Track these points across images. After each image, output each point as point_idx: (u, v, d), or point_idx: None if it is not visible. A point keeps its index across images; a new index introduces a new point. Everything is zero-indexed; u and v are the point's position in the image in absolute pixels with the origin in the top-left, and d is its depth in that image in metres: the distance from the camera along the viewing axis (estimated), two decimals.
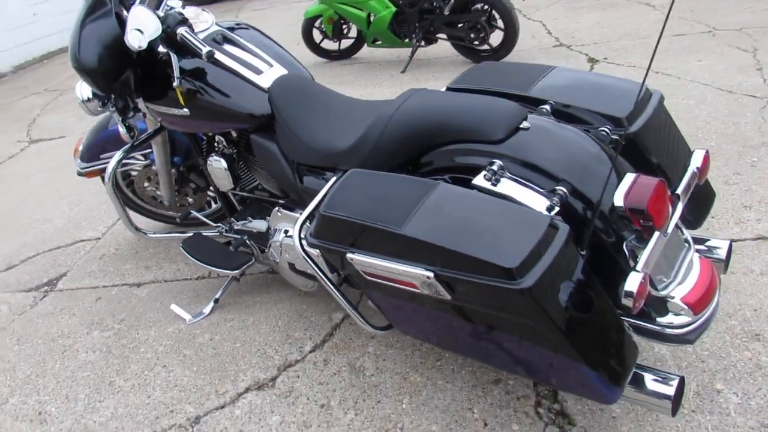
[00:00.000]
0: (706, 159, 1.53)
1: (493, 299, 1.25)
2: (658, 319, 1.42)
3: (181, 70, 1.86)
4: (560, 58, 4.36)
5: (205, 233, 2.32)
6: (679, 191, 1.44)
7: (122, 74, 1.90)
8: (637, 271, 1.26)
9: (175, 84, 1.83)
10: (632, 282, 1.23)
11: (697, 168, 1.52)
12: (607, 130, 1.55)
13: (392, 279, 1.36)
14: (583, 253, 1.41)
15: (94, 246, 2.90)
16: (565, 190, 1.38)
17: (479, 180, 1.42)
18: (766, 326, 1.83)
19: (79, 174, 2.54)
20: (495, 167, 1.42)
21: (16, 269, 2.82)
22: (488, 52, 4.47)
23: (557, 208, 1.36)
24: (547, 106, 1.62)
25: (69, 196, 3.57)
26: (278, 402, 1.84)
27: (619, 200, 1.31)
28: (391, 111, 1.61)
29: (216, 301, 2.28)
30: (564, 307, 1.23)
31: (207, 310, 2.26)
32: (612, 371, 1.29)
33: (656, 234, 1.33)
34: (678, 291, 1.41)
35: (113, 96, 1.99)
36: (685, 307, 1.40)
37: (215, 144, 2.15)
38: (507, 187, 1.41)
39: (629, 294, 1.23)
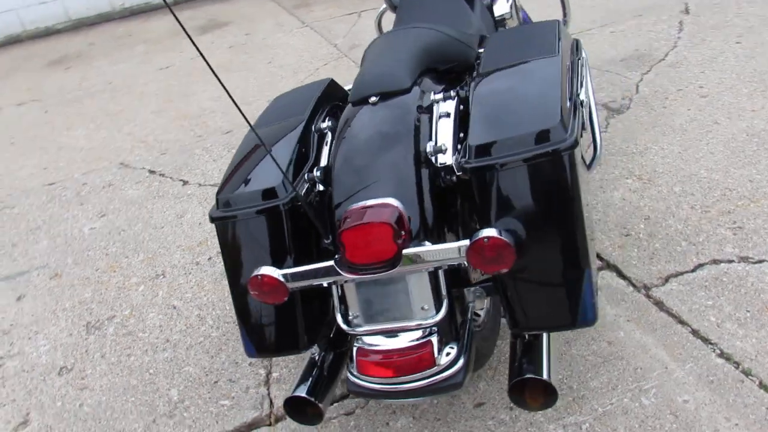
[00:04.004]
0: (480, 246, 1.03)
1: None
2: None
3: None
4: None
5: None
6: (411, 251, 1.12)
7: None
8: (272, 267, 1.20)
9: None
10: (263, 270, 1.20)
11: (465, 245, 1.06)
12: (427, 151, 1.21)
13: None
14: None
15: None
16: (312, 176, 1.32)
17: None
18: None
19: None
20: (322, 125, 1.42)
21: None
22: None
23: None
24: (439, 95, 1.31)
25: None
26: None
27: (341, 212, 1.20)
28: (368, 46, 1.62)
29: None
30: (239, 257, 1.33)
31: None
32: (253, 337, 1.34)
33: (331, 261, 1.17)
34: (368, 341, 1.22)
35: None
36: (354, 360, 1.22)
37: None
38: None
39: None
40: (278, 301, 1.24)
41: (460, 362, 1.19)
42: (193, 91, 4.01)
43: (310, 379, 1.32)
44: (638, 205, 2.13)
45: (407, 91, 1.34)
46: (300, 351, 1.34)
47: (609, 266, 1.90)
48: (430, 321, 1.17)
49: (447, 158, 1.24)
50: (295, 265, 1.25)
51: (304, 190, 1.32)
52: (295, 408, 1.29)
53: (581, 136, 1.31)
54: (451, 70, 1.56)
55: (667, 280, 1.81)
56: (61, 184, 3.12)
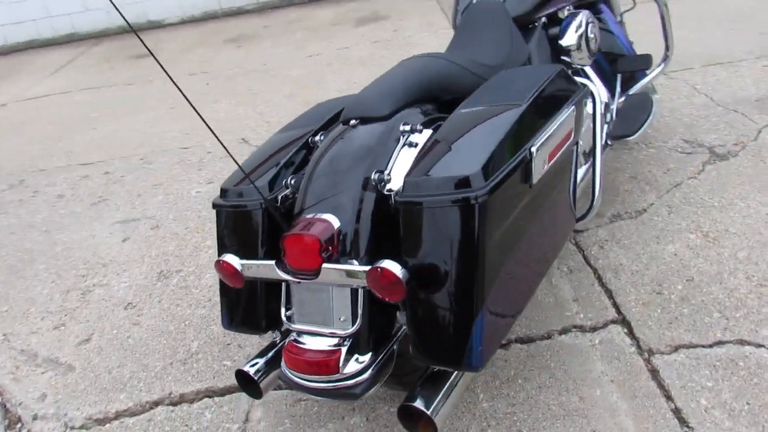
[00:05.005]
0: (375, 274, 1.09)
1: None
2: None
3: None
4: None
5: None
6: (331, 266, 1.22)
7: None
8: (234, 256, 1.38)
9: None
10: (225, 257, 1.38)
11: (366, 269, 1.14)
12: (372, 178, 1.29)
13: None
14: None
15: None
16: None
17: None
18: None
19: None
20: (316, 138, 1.56)
21: None
22: None
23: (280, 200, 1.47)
24: (407, 126, 1.37)
25: None
26: None
27: (296, 219, 1.35)
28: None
29: None
30: (225, 242, 1.54)
31: None
32: (227, 312, 1.54)
33: (269, 262, 1.31)
34: (298, 338, 1.35)
35: None
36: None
37: None
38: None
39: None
40: (237, 286, 1.42)
41: (364, 376, 1.27)
42: (326, 80, 4.33)
43: (263, 358, 1.49)
44: (688, 264, 1.96)
45: (385, 118, 1.42)
46: (261, 332, 1.51)
47: (623, 322, 1.79)
48: (345, 332, 1.27)
49: (394, 187, 1.31)
50: (265, 258, 1.42)
51: (284, 194, 1.48)
52: (245, 380, 1.47)
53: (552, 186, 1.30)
54: (455, 101, 1.60)
55: (676, 349, 1.67)
56: (192, 150, 3.61)
